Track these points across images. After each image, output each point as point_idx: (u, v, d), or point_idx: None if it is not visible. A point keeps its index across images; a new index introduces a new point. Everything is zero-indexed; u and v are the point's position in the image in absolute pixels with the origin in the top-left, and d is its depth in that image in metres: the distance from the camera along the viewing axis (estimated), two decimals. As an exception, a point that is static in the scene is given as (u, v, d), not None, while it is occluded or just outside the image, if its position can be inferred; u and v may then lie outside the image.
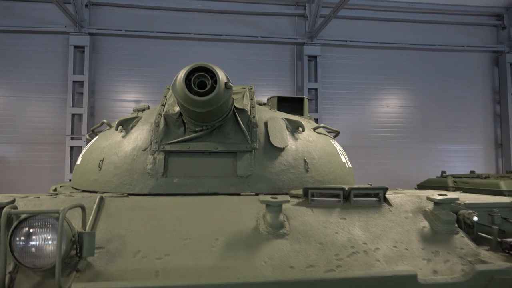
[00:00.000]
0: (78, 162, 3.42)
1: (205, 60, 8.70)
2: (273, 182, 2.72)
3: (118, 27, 10.69)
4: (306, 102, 4.30)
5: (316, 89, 11.16)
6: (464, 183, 6.37)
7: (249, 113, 2.86)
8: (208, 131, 2.72)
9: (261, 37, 11.18)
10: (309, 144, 3.07)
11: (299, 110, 4.26)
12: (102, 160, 2.92)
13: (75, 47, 10.34)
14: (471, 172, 7.91)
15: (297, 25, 11.50)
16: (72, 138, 10.28)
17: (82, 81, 10.31)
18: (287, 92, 11.32)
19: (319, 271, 1.65)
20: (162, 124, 2.77)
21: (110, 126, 3.35)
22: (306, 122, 3.77)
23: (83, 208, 1.70)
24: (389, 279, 1.54)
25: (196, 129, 2.70)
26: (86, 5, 10.57)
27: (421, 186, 7.73)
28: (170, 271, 1.61)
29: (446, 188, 6.73)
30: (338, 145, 3.88)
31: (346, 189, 2.24)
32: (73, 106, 10.28)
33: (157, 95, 10.45)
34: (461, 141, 12.10)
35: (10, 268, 1.54)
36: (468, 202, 2.38)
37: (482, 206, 2.36)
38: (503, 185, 5.47)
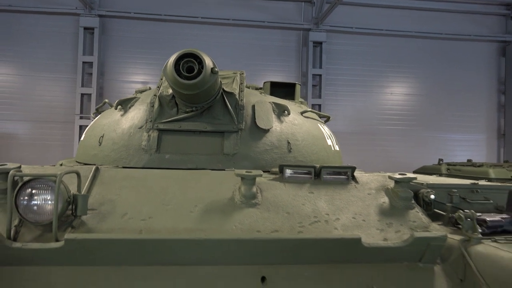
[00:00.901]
0: (82, 138, 3.69)
1: (211, 43, 8.97)
2: (257, 161, 2.94)
3: (128, 10, 10.90)
4: (298, 87, 4.50)
5: (320, 75, 11.30)
6: (456, 171, 6.55)
7: (237, 97, 3.07)
8: (198, 112, 2.95)
9: (267, 22, 11.30)
10: (294, 127, 3.29)
11: (291, 95, 4.46)
12: (102, 136, 3.19)
13: (85, 28, 10.59)
14: (468, 160, 8.06)
15: (304, 11, 11.58)
16: (81, 117, 10.62)
17: (92, 62, 10.59)
18: (292, 77, 11.48)
19: (281, 235, 1.89)
20: (156, 105, 3.01)
21: (111, 106, 3.60)
22: (297, 106, 3.98)
23: (78, 174, 1.96)
24: (336, 241, 1.78)
25: (187, 109, 2.93)
26: (96, -13, 10.78)
27: (417, 172, 7.92)
28: (152, 231, 1.87)
29: (439, 174, 6.92)
30: (326, 129, 4.08)
31: (317, 167, 2.47)
32: (82, 86, 10.58)
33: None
34: (464, 130, 12.19)
35: (15, 222, 1.81)
36: (430, 182, 2.60)
37: (443, 186, 2.58)
38: (492, 173, 5.64)
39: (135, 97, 3.36)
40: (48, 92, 10.74)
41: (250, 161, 2.94)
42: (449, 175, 6.70)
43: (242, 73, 3.48)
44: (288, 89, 4.54)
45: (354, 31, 11.47)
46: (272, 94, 4.32)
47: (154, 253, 1.70)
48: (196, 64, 2.48)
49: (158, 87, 3.21)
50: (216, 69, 2.52)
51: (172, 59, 2.47)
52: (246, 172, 2.19)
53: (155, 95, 3.08)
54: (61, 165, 3.67)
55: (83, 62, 10.56)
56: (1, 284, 1.59)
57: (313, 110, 3.93)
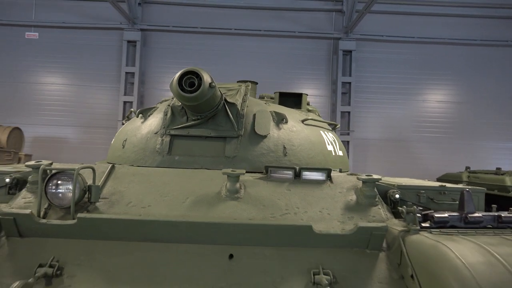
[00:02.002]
0: (112, 142, 4.27)
1: (244, 53, 9.55)
2: (254, 163, 3.34)
3: (167, 23, 11.70)
4: (304, 97, 4.84)
5: (349, 83, 11.49)
6: (475, 178, 6.58)
7: (238, 107, 3.50)
8: (204, 120, 3.40)
9: (298, 32, 11.69)
10: (291, 133, 3.66)
11: (300, 104, 4.82)
12: (125, 140, 3.72)
13: (128, 41, 11.51)
14: (497, 169, 7.96)
15: (335, 20, 11.85)
16: (123, 123, 11.46)
17: (133, 72, 11.46)
18: (322, 85, 11.79)
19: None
20: (169, 114, 3.49)
21: (135, 114, 4.15)
22: (302, 114, 4.34)
23: (93, 170, 2.46)
24: (291, 228, 2.14)
25: (194, 118, 3.39)
26: (139, 3, 11.67)
27: (440, 179, 7.96)
28: (148, 215, 2.33)
29: (460, 181, 6.96)
30: (330, 135, 4.41)
31: (297, 168, 2.84)
32: (125, 94, 11.48)
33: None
34: (500, 138, 11.87)
35: (45, 205, 2.33)
36: (402, 184, 2.88)
37: (412, 188, 2.86)
38: (508, 180, 5.66)
39: (154, 107, 3.88)
40: (95, 100, 11.73)
41: (248, 163, 3.34)
42: (469, 183, 6.72)
43: (248, 86, 3.89)
44: (297, 99, 4.90)
45: (385, 39, 11.58)
46: (282, 103, 4.71)
47: (146, 232, 2.16)
48: (196, 80, 2.93)
49: (172, 98, 3.71)
50: (214, 84, 2.96)
51: (176, 76, 2.93)
52: (231, 171, 2.61)
53: (168, 105, 3.58)
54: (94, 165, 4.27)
55: (126, 73, 11.46)
56: (31, 250, 2.10)
57: (315, 118, 4.27)
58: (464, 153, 11.86)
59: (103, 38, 11.73)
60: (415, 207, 2.22)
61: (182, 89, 2.91)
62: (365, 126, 11.66)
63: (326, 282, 1.91)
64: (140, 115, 3.86)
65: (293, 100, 4.88)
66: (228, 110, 3.43)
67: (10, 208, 2.26)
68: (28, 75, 11.85)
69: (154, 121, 3.65)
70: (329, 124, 4.94)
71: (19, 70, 11.86)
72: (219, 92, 3.22)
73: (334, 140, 4.47)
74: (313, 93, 11.96)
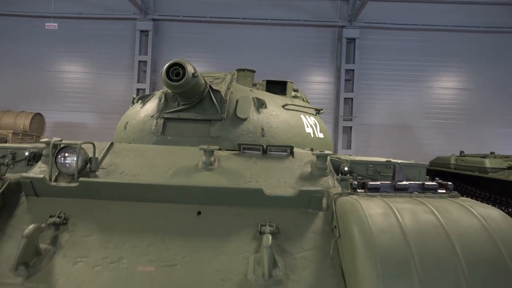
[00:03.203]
0: (118, 125, 4.86)
1: (251, 42, 10.07)
2: (235, 142, 3.85)
3: (177, 13, 12.22)
4: (289, 85, 5.31)
5: (353, 70, 11.82)
6: (461, 161, 6.95)
7: (222, 93, 4.01)
8: (192, 104, 3.93)
9: (303, 20, 12.03)
10: (270, 116, 4.16)
11: (285, 91, 5.30)
12: (127, 123, 4.30)
13: (141, 31, 12.10)
14: (491, 153, 8.25)
15: (340, 9, 12.13)
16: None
17: (146, 61, 12.06)
18: (326, 72, 12.16)
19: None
20: (163, 99, 4.04)
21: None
22: (287, 100, 4.82)
23: (93, 145, 3.03)
24: (245, 190, 2.66)
25: (184, 103, 3.93)
26: (151, -6, 12.23)
27: (432, 163, 8.33)
28: (143, 182, 2.89)
29: (448, 164, 7.35)
30: (311, 119, 4.89)
31: (265, 145, 3.34)
32: (138, 82, 12.12)
33: (209, 74, 11.87)
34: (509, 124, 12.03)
35: (56, 173, 2.92)
36: (356, 159, 3.37)
37: (362, 162, 3.34)
38: (487, 162, 6.00)
39: (152, 94, 4.44)
40: (110, 87, 12.42)
41: (230, 142, 3.86)
42: (456, 165, 7.10)
43: (234, 74, 4.40)
44: (283, 86, 5.37)
45: (388, 27, 11.82)
46: (270, 90, 5.20)
47: (133, 193, 2.72)
48: (181, 70, 3.46)
49: (166, 86, 4.25)
50: (196, 74, 3.47)
51: (165, 67, 3.46)
52: (207, 146, 3.14)
53: (163, 92, 4.12)
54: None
55: (139, 61, 12.08)
56: (44, 206, 2.69)
57: (296, 104, 4.75)
58: (470, 139, 12.08)
59: (118, 28, 12.36)
60: (349, 175, 2.71)
61: (170, 78, 3.45)
62: (368, 112, 12.01)
63: (269, 231, 2.43)
64: (140, 101, 4.43)
65: (279, 87, 5.36)
66: (213, 96, 3.95)
67: (28, 174, 2.86)
68: (48, 64, 12.62)
69: (151, 106, 4.21)
70: (315, 109, 5.41)
71: (40, 59, 12.64)
72: (203, 81, 3.74)
73: (315, 123, 4.95)
74: (318, 80, 12.36)
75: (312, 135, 4.71)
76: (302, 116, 4.73)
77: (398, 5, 11.88)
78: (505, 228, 2.06)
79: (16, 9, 12.51)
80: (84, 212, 2.64)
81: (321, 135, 4.98)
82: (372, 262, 1.89)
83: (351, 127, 11.72)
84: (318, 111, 5.33)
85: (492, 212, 2.20)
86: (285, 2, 12.13)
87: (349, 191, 2.65)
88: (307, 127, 4.66)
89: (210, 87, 3.97)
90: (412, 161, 3.67)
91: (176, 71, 3.47)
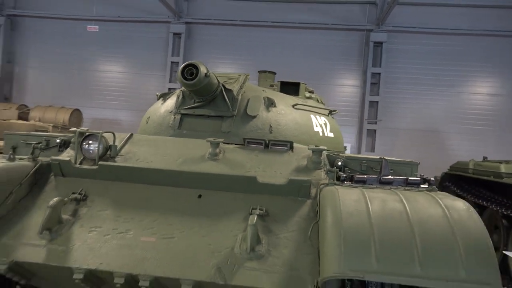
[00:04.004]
0: (142, 119, 5.30)
1: (279, 45, 10.47)
2: (244, 137, 4.20)
3: (209, 17, 12.72)
4: (302, 86, 5.57)
5: (379, 74, 11.86)
6: (479, 166, 6.93)
7: (234, 93, 4.34)
8: (206, 102, 4.28)
9: (331, 24, 12.20)
10: (278, 115, 4.45)
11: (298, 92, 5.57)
12: (149, 118, 4.73)
13: (174, 34, 12.70)
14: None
15: (368, 12, 12.21)
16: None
17: (178, 62, 12.63)
18: (353, 75, 12.26)
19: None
20: (180, 97, 4.42)
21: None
22: (300, 100, 5.10)
23: (113, 134, 3.44)
24: (241, 177, 2.97)
25: (198, 100, 4.29)
26: (185, -1, 12.81)
27: (452, 167, 8.32)
28: (154, 167, 3.26)
29: (466, 168, 7.36)
30: (322, 119, 5.15)
31: (267, 140, 3.64)
32: (170, 82, 12.73)
33: (238, 75, 12.26)
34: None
35: (81, 158, 3.35)
36: (350, 155, 3.60)
37: (356, 159, 3.57)
38: (503, 168, 5.99)
39: (172, 92, 4.84)
40: (144, 87, 13.09)
41: (239, 138, 4.18)
42: (474, 170, 7.09)
43: (247, 75, 4.72)
44: (297, 87, 5.65)
45: (417, 31, 11.77)
46: (284, 90, 5.49)
47: (144, 177, 3.10)
48: (195, 70, 3.82)
49: (186, 85, 4.63)
50: (208, 74, 3.82)
51: (180, 67, 3.83)
52: (213, 139, 3.48)
53: (181, 90, 4.51)
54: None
55: (171, 62, 12.67)
56: (68, 184, 3.11)
57: (307, 104, 5.01)
58: (498, 145, 11.82)
59: (153, 30, 13.03)
60: (336, 168, 2.97)
61: (185, 78, 3.82)
62: (393, 116, 12.00)
63: (258, 213, 2.73)
64: (161, 98, 4.85)
65: (293, 88, 5.63)
66: (225, 95, 4.29)
67: (57, 157, 3.30)
68: (88, 64, 13.48)
69: (170, 102, 4.61)
70: (328, 110, 5.66)
71: (81, 59, 13.52)
72: (215, 80, 4.08)
73: (325, 123, 5.20)
74: (344, 83, 12.49)
75: (321, 134, 4.96)
76: (312, 115, 4.99)
77: (427, 9, 11.81)
78: (465, 217, 2.27)
79: (60, 12, 13.46)
80: (101, 191, 3.05)
81: (331, 135, 5.22)
82: (338, 241, 2.16)
83: (375, 130, 11.77)
84: (330, 112, 5.57)
85: (457, 204, 2.41)
86: (314, 6, 12.36)
87: (334, 181, 2.92)
88: (316, 126, 4.91)
89: (223, 86, 4.32)
90: (408, 160, 3.85)
91: (190, 71, 3.84)
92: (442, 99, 11.92)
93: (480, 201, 6.66)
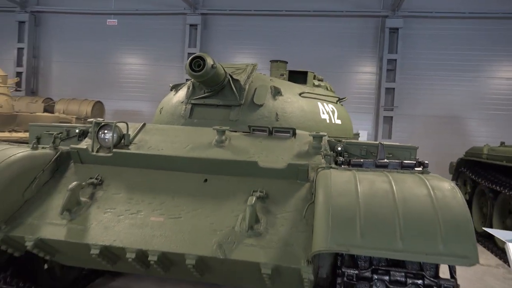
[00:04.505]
0: (156, 110, 5.56)
1: (293, 33, 10.62)
2: (251, 125, 4.39)
3: (224, 8, 12.87)
4: (310, 75, 5.68)
5: (395, 60, 11.78)
6: (492, 151, 6.91)
7: (242, 82, 4.52)
8: (215, 92, 4.48)
9: (346, 11, 12.15)
10: (285, 103, 4.61)
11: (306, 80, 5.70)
12: (162, 108, 4.98)
13: (190, 25, 12.92)
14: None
15: (384, -2, 12.10)
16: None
17: (194, 53, 12.80)
18: (368, 62, 12.22)
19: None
20: (191, 88, 4.64)
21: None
22: (307, 89, 5.25)
23: (127, 124, 3.69)
24: (243, 162, 3.16)
25: (207, 90, 4.50)
26: (201, -11, 12.98)
27: (467, 153, 8.29)
28: (163, 154, 3.49)
29: (480, 154, 7.35)
30: (329, 106, 5.28)
31: (271, 127, 3.81)
32: (187, 73, 12.93)
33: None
34: None
35: (98, 146, 3.62)
36: (349, 141, 3.75)
37: (356, 144, 3.71)
38: (515, 152, 5.99)
39: (183, 83, 5.07)
40: (163, 78, 13.39)
41: (246, 126, 4.38)
42: (488, 155, 7.07)
43: (255, 65, 4.88)
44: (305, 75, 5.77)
45: (433, 16, 11.59)
46: (293, 79, 5.63)
47: (154, 162, 3.34)
48: (202, 62, 4.02)
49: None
50: (215, 65, 4.01)
51: (189, 59, 4.04)
52: (219, 127, 3.69)
53: (191, 81, 4.72)
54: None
55: (188, 53, 12.91)
56: (86, 170, 3.38)
57: (314, 92, 5.15)
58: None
59: (169, 22, 13.29)
60: (332, 152, 3.13)
61: (192, 69, 4.03)
62: (410, 102, 11.93)
63: (258, 195, 2.93)
64: (173, 89, 5.09)
65: (301, 76, 5.76)
66: (233, 85, 4.48)
67: (76, 146, 3.58)
68: (108, 57, 13.90)
69: (182, 93, 4.83)
70: (337, 98, 5.79)
71: (102, 52, 13.94)
72: (222, 71, 4.27)
73: (332, 111, 5.33)
74: (361, 71, 12.47)
75: (328, 121, 5.11)
76: (319, 103, 5.14)
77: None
78: (448, 196, 2.41)
79: (81, 8, 13.88)
80: (116, 176, 3.32)
81: (338, 121, 5.36)
82: (326, 218, 2.34)
83: (392, 117, 11.74)
84: (339, 99, 5.69)
85: (443, 184, 2.54)
86: (328, -7, 12.33)
87: (331, 165, 3.08)
88: (323, 113, 5.06)
89: (231, 76, 4.51)
90: (408, 144, 3.96)
91: (198, 63, 4.04)
92: (460, 84, 11.76)
93: (494, 186, 6.66)
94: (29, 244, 2.75)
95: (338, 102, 5.78)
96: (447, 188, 2.49)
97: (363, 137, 11.36)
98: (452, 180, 9.30)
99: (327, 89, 6.05)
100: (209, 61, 3.99)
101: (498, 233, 2.26)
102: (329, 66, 12.30)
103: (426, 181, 2.57)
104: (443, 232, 2.19)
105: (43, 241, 2.79)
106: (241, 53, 12.91)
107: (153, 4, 13.31)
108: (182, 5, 12.88)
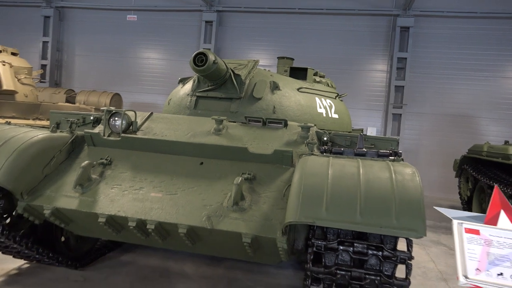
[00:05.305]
0: (165, 101, 5.99)
1: (305, 31, 10.92)
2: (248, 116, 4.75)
3: (239, 5, 13.23)
4: (310, 71, 5.98)
5: (405, 58, 11.93)
6: (491, 148, 7.09)
7: (242, 77, 4.88)
8: (218, 85, 4.86)
9: (358, 10, 12.35)
10: (282, 97, 4.96)
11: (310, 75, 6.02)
12: (170, 99, 5.40)
13: (206, 22, 13.34)
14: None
15: (396, -3, 12.25)
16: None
17: (209, 49, 13.27)
18: (380, 60, 12.41)
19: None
20: (196, 81, 5.03)
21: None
22: (307, 84, 5.58)
23: (135, 112, 4.11)
24: (234, 148, 3.53)
25: (211, 84, 4.89)
26: (217, -13, 13.38)
27: (469, 150, 8.46)
28: (165, 139, 3.89)
29: (481, 151, 7.53)
30: (327, 101, 5.61)
31: (265, 118, 4.17)
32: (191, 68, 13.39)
33: (269, 61, 12.63)
34: None
35: (109, 131, 4.06)
36: (334, 132, 4.09)
37: (342, 135, 4.03)
38: (510, 149, 6.15)
39: (190, 77, 5.47)
40: (179, 72, 13.74)
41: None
42: (487, 153, 7.25)
43: (257, 61, 5.24)
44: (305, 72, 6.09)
45: (445, 15, 11.68)
46: (294, 75, 5.97)
47: (157, 146, 3.75)
48: (204, 58, 4.40)
49: (201, 70, 5.23)
50: (216, 61, 4.39)
51: (192, 55, 4.42)
52: (217, 117, 4.07)
53: (197, 76, 5.12)
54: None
55: (203, 49, 13.31)
56: (98, 152, 3.81)
57: (311, 87, 5.48)
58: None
59: (186, 19, 13.75)
60: (315, 140, 3.48)
61: (196, 64, 4.42)
62: (420, 100, 12.07)
63: (245, 177, 3.30)
64: (181, 82, 5.50)
65: (302, 73, 6.09)
66: (234, 79, 4.86)
67: (89, 130, 4.02)
68: (128, 51, 14.47)
69: (188, 86, 5.24)
70: (336, 94, 6.11)
71: (121, 47, 14.52)
72: (223, 66, 4.64)
73: (330, 105, 5.66)
74: (371, 68, 12.66)
75: (324, 115, 5.44)
76: (316, 98, 5.47)
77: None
78: (407, 179, 2.74)
79: (103, 4, 14.47)
80: (123, 158, 3.74)
81: (335, 116, 5.69)
82: (298, 194, 2.70)
83: (400, 114, 11.92)
84: (337, 95, 6.00)
85: (405, 170, 2.87)
86: (341, -9, 12.53)
87: (312, 152, 3.43)
88: (320, 108, 5.39)
89: (232, 71, 4.88)
90: (388, 136, 4.26)
91: (200, 58, 4.43)
92: (470, 84, 11.83)
93: (491, 182, 6.86)
94: (46, 212, 3.20)
95: (337, 98, 6.08)
96: (407, 173, 2.81)
97: (372, 134, 11.57)
98: (456, 177, 9.47)
99: (328, 85, 6.37)
100: (211, 57, 4.37)
101: (445, 211, 2.56)
102: (341, 64, 12.56)
103: (391, 167, 2.90)
104: (397, 209, 2.52)
105: (58, 210, 3.23)
106: (254, 49, 13.27)
107: (171, 1, 13.79)
108: (199, 2, 13.31)
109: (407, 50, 11.93)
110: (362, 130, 7.70)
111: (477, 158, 7.83)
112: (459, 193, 9.24)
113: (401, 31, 11.96)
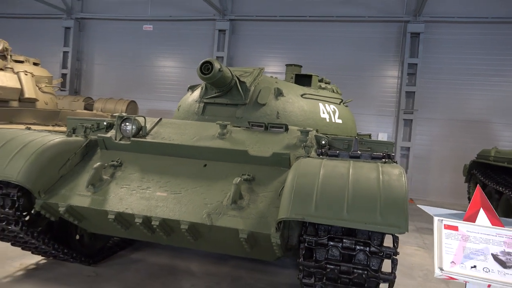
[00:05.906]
0: (176, 108, 6.26)
1: (316, 39, 11.22)
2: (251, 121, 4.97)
3: (251, 14, 13.54)
4: (314, 78, 6.17)
5: (416, 64, 11.99)
6: (498, 153, 7.12)
7: (248, 84, 5.12)
8: (224, 92, 5.10)
9: (368, 17, 12.49)
10: (286, 103, 5.17)
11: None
12: (180, 106, 5.67)
13: (219, 30, 13.69)
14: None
15: (407, 3, 12.33)
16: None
17: (222, 57, 13.62)
18: (391, 67, 12.50)
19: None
20: (204, 88, 5.29)
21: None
22: (311, 91, 5.77)
23: (144, 118, 4.38)
24: (235, 151, 3.75)
25: (217, 91, 5.13)
26: (229, -3, 13.73)
27: (478, 155, 8.48)
28: (172, 143, 4.14)
29: (488, 156, 7.56)
30: (330, 107, 5.79)
31: (267, 123, 4.38)
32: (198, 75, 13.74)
33: (280, 68, 12.87)
34: None
35: (120, 136, 4.33)
36: (332, 136, 4.26)
37: (340, 139, 4.21)
38: (517, 154, 6.21)
39: (198, 84, 5.74)
40: (193, 80, 14.12)
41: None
42: (494, 157, 7.28)
43: (262, 69, 5.47)
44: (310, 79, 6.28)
45: (456, 21, 11.71)
46: (299, 82, 6.16)
47: (164, 150, 4.00)
48: (210, 66, 4.65)
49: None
50: (222, 69, 4.63)
51: (199, 64, 4.68)
52: (222, 122, 4.31)
53: (204, 83, 5.38)
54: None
55: (217, 57, 13.66)
56: (109, 155, 4.07)
57: (314, 93, 5.67)
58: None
59: (200, 28, 14.14)
60: (313, 142, 3.68)
61: (202, 72, 4.68)
62: (431, 106, 12.09)
63: (245, 178, 3.51)
64: (190, 89, 5.77)
65: (307, 79, 6.28)
66: (239, 86, 5.09)
67: (102, 135, 4.30)
68: (144, 60, 14.93)
69: (196, 93, 5.50)
70: (340, 100, 6.28)
71: (138, 56, 15.00)
72: (229, 74, 4.88)
73: (333, 111, 5.84)
74: (382, 74, 12.76)
75: (328, 120, 5.62)
76: (320, 104, 5.65)
77: (467, -3, 11.72)
78: (393, 179, 2.91)
79: (120, 14, 15.00)
80: (132, 160, 4.01)
81: (339, 121, 5.86)
82: (290, 193, 2.90)
83: (411, 120, 11.96)
84: (342, 101, 6.18)
85: (393, 171, 3.04)
86: (352, -1, 12.71)
87: (308, 155, 3.62)
88: (323, 113, 5.57)
89: (238, 78, 5.12)
90: (377, 140, 4.41)
91: (207, 67, 4.68)
92: (481, 89, 11.80)
93: (498, 187, 6.89)
94: (61, 210, 3.47)
95: (341, 104, 6.25)
96: (394, 173, 2.98)
97: (383, 139, 11.64)
98: (465, 182, 9.47)
99: (333, 92, 6.55)
100: (217, 66, 4.62)
101: (428, 209, 2.71)
102: (352, 70, 12.70)
103: (380, 168, 3.07)
104: (382, 206, 2.70)
105: (72, 208, 3.50)
106: (266, 56, 13.53)
107: (185, 10, 14.21)
108: (212, 12, 13.67)
109: (417, 56, 11.99)
110: (370, 135, 7.83)
111: (486, 163, 7.85)
112: (468, 198, 9.23)
113: (412, 37, 12.03)
